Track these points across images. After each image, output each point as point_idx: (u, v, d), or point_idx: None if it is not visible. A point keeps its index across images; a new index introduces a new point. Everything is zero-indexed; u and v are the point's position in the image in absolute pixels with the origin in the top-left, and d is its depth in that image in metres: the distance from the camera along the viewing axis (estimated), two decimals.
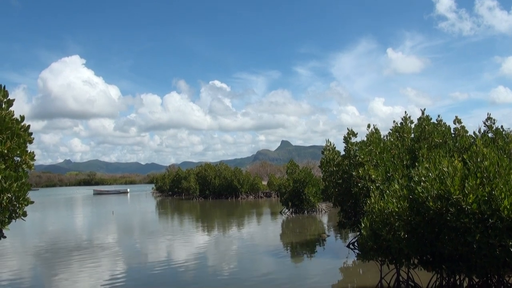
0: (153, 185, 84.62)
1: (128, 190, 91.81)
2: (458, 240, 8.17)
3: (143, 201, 59.95)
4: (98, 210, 45.09)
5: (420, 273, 10.86)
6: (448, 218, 8.14)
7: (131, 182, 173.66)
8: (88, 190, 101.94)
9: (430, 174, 8.71)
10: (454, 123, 15.15)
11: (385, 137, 15.46)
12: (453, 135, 14.93)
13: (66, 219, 35.77)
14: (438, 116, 15.47)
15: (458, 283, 9.20)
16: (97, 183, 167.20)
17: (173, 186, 67.96)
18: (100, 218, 35.16)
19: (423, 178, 8.85)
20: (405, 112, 15.73)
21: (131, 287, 12.12)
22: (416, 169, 9.49)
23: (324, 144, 18.04)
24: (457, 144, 13.10)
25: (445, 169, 8.51)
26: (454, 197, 8.01)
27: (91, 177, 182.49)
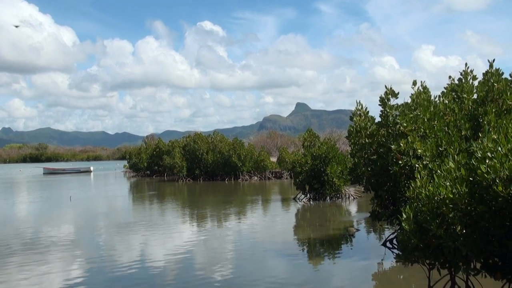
0: (125, 162, 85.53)
1: (92, 168, 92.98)
2: None
3: (111, 183, 60.39)
4: (50, 195, 45.50)
5: (484, 282, 10.84)
6: None
7: (96, 158, 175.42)
8: (37, 169, 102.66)
9: (500, 149, 8.57)
10: None
11: (436, 99, 15.32)
12: None
13: (4, 207, 36.07)
14: None
15: None
16: (49, 159, 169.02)
17: (152, 163, 68.62)
18: (52, 206, 35.46)
19: (489, 154, 8.73)
20: (465, 64, 15.49)
21: None
22: (480, 141, 9.35)
23: (352, 108, 17.87)
24: None
25: None
26: None
27: (40, 151, 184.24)
